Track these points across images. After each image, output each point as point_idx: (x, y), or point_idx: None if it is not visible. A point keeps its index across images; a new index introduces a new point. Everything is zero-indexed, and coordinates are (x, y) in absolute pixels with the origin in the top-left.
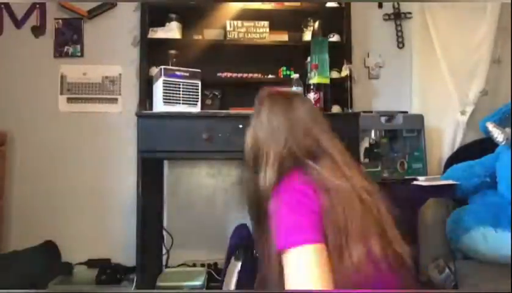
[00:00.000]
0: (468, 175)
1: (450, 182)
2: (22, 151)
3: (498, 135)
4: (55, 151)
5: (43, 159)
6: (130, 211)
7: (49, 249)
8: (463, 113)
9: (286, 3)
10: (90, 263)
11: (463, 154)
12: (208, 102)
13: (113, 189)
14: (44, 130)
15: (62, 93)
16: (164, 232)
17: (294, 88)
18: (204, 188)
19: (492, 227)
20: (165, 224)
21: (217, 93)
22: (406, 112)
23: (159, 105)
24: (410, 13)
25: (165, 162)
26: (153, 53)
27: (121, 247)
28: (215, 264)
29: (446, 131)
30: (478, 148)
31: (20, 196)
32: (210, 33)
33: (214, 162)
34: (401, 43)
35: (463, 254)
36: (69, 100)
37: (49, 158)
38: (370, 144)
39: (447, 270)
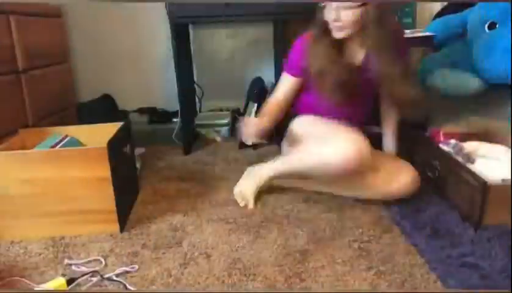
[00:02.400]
0: (445, 27)
1: (428, 33)
2: (79, 24)
3: None
4: (106, 23)
5: (97, 29)
6: (167, 69)
7: (108, 100)
8: None
9: None
10: (141, 110)
11: (452, 8)
12: None
13: (152, 52)
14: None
15: None
16: (196, 86)
17: None
18: (225, 48)
19: (450, 69)
20: (195, 79)
21: None
22: None
23: None
24: None
25: (190, 26)
26: None
27: (162, 97)
28: (238, 109)
29: None
30: (467, 4)
31: (82, 60)
32: None
33: (231, 24)
34: None
35: (430, 92)
36: None
37: (101, 29)
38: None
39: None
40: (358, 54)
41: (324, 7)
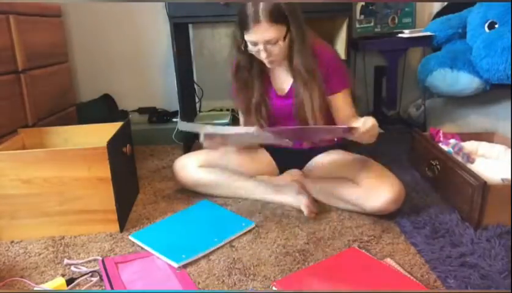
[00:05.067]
0: (444, 27)
1: (428, 33)
2: (79, 24)
3: None
4: (106, 24)
5: (97, 29)
6: (167, 69)
7: (108, 100)
8: None
9: None
10: (140, 110)
11: (451, 8)
12: None
13: (152, 52)
14: (94, 7)
15: None
16: (196, 86)
17: None
18: (225, 48)
19: (449, 68)
20: (195, 79)
21: None
22: None
23: None
24: None
25: (190, 27)
26: None
27: (162, 97)
28: None
29: None
30: (466, 3)
31: (82, 60)
32: None
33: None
34: None
35: (430, 92)
36: None
37: (101, 29)
38: (366, 2)
39: (422, 107)
40: (286, 81)
41: (249, 43)
